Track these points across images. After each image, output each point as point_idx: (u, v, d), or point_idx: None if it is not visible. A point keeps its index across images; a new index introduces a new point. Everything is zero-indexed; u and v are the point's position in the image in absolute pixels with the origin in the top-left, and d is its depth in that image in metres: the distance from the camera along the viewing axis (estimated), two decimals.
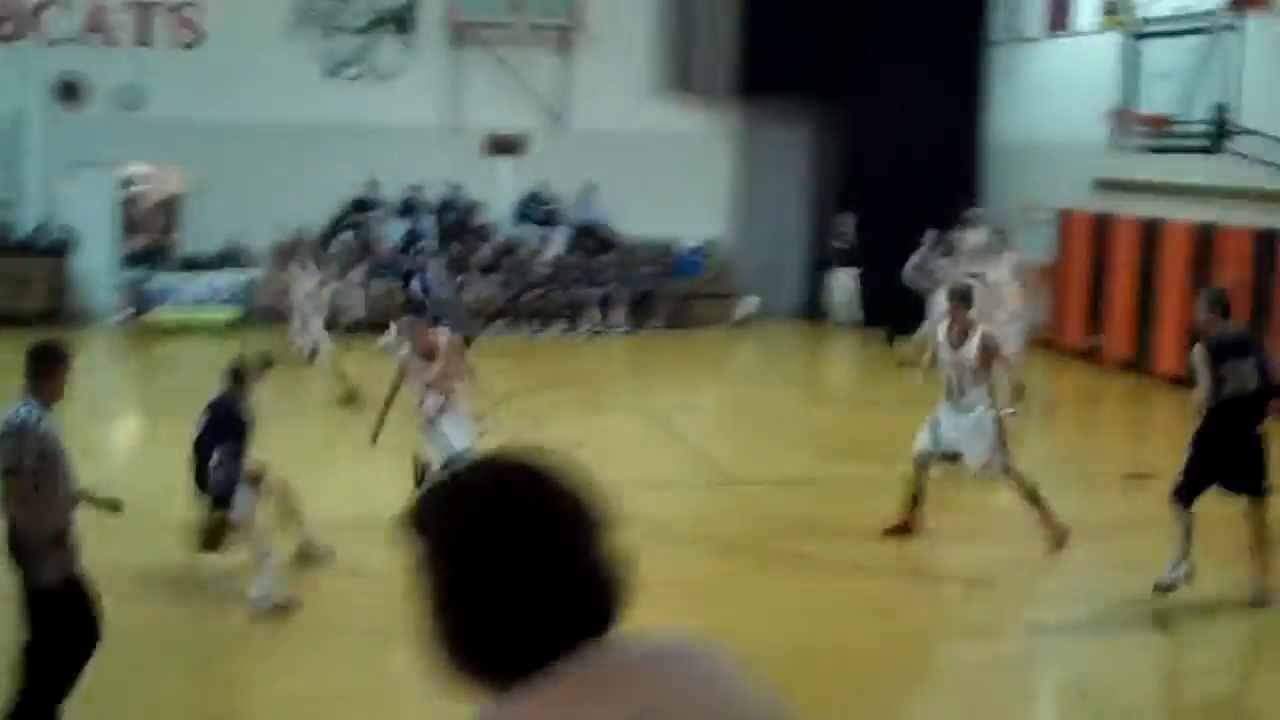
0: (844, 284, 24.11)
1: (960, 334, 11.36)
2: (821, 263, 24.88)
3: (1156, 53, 19.42)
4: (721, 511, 12.59)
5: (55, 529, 7.25)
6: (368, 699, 8.25)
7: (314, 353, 17.94)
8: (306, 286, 18.47)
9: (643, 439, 15.40)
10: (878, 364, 21.06)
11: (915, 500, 11.42)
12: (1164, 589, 9.92)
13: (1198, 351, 9.97)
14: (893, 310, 22.48)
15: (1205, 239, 18.42)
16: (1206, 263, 18.23)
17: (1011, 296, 16.26)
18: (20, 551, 7.25)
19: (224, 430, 9.88)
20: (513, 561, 2.21)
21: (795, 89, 24.74)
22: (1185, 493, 10.01)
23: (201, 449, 9.93)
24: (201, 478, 9.92)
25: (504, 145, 24.87)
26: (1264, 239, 17.44)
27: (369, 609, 9.33)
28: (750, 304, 24.60)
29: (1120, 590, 10.25)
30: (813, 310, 25.13)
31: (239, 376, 10.15)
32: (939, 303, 14.48)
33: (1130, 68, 19.75)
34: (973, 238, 22.43)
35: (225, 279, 22.78)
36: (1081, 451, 15.33)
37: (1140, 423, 18.15)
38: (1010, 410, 15.31)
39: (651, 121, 24.88)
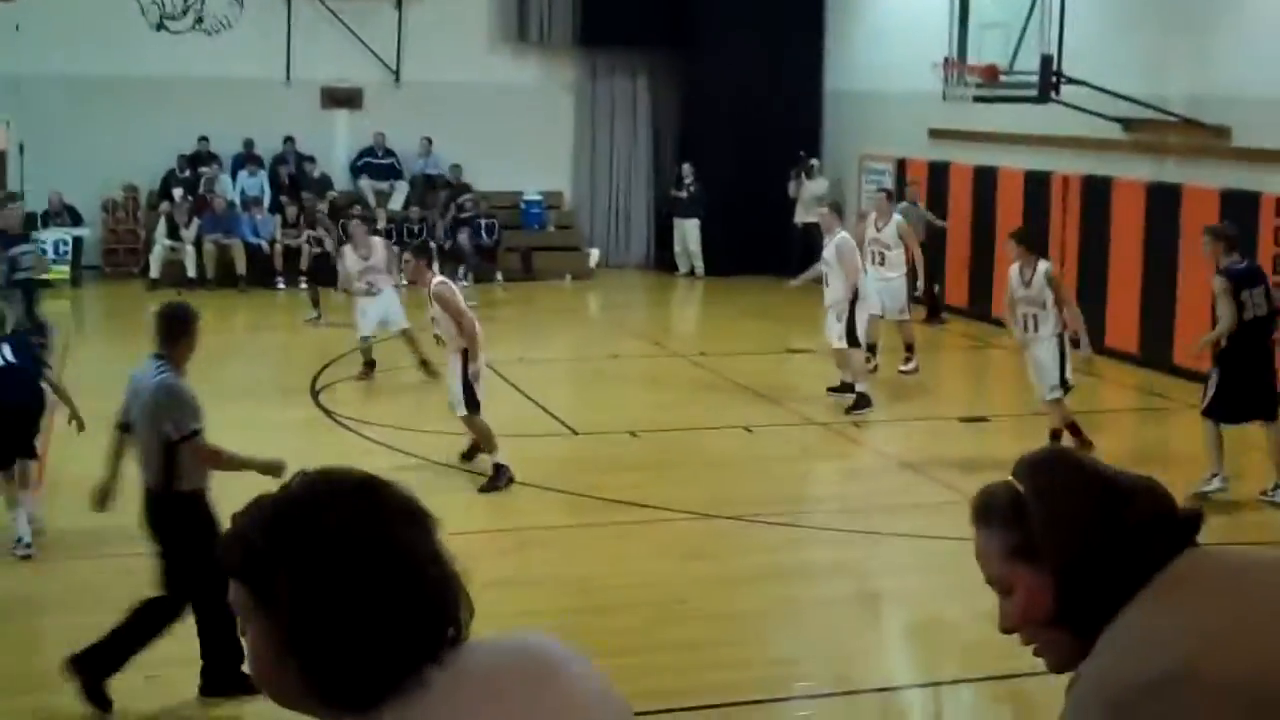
0: (688, 233, 24.18)
1: (1031, 272, 12.56)
2: (666, 213, 24.95)
3: (985, 3, 19.72)
4: (564, 462, 12.60)
5: (197, 489, 7.34)
6: None
7: None
8: None
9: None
10: (721, 312, 21.22)
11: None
12: (1201, 496, 10.69)
13: (1219, 282, 11.06)
14: (736, 258, 22.75)
15: (1038, 185, 18.83)
16: (1040, 209, 18.63)
17: (897, 255, 16.13)
18: (164, 513, 7.28)
19: None
20: (360, 577, 2.03)
21: (634, 39, 24.74)
22: (1216, 411, 11.11)
23: None
24: None
25: (339, 98, 24.52)
26: (1093, 184, 17.88)
27: None
28: (594, 255, 24.60)
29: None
30: (659, 261, 25.21)
31: None
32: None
33: (961, 18, 20.02)
34: (811, 187, 22.71)
35: (55, 235, 22.14)
36: (925, 398, 15.58)
37: (977, 369, 18.51)
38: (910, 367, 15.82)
39: (490, 73, 24.68)
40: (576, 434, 13.54)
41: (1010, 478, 2.56)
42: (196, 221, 22.36)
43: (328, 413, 14.19)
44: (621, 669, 7.75)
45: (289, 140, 23.96)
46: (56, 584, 9.33)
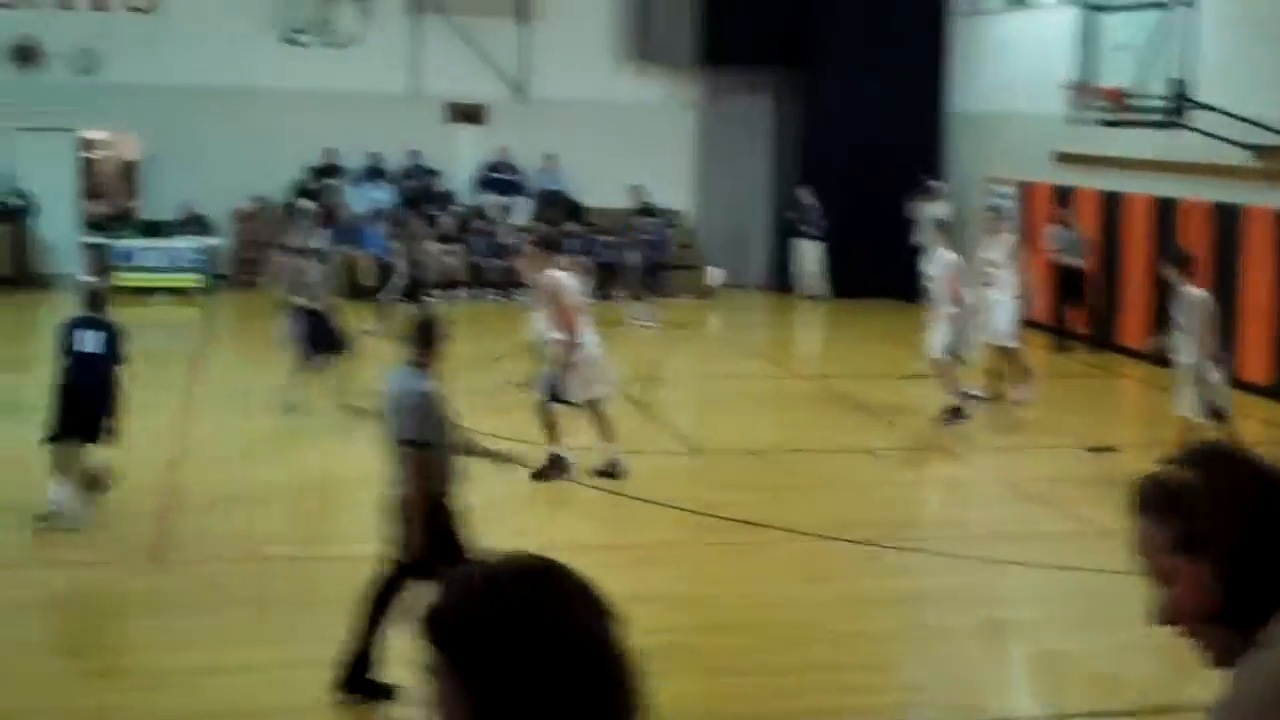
0: (807, 254, 24.13)
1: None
2: (786, 233, 24.90)
3: (1115, 26, 19.50)
4: (684, 480, 12.61)
5: (441, 491, 7.53)
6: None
7: None
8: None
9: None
10: (842, 334, 21.17)
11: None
12: None
13: None
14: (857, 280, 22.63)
15: (1165, 212, 18.57)
16: (1167, 236, 18.37)
17: (1007, 277, 15.73)
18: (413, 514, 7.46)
19: None
20: (554, 660, 2.06)
21: (757, 59, 24.75)
22: None
23: None
24: None
25: (464, 114, 24.78)
26: (1223, 213, 17.60)
27: None
28: (716, 275, 24.59)
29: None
30: (779, 281, 25.15)
31: None
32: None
33: (1089, 41, 19.82)
34: (932, 209, 22.56)
35: (186, 244, 22.63)
36: (1047, 426, 15.39)
37: (1103, 397, 18.25)
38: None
39: (613, 91, 24.84)
40: (697, 452, 13.54)
41: (1172, 466, 2.53)
42: (324, 232, 22.64)
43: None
44: (743, 689, 7.79)
45: (414, 154, 24.25)
46: (185, 583, 9.48)
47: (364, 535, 10.86)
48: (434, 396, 7.50)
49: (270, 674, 7.90)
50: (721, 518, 11.27)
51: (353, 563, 9.98)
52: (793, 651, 8.54)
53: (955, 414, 14.38)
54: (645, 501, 11.63)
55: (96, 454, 10.75)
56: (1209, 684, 2.50)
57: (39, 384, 11.39)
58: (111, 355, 10.81)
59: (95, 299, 11.46)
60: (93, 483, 10.71)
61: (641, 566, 10.26)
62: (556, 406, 12.07)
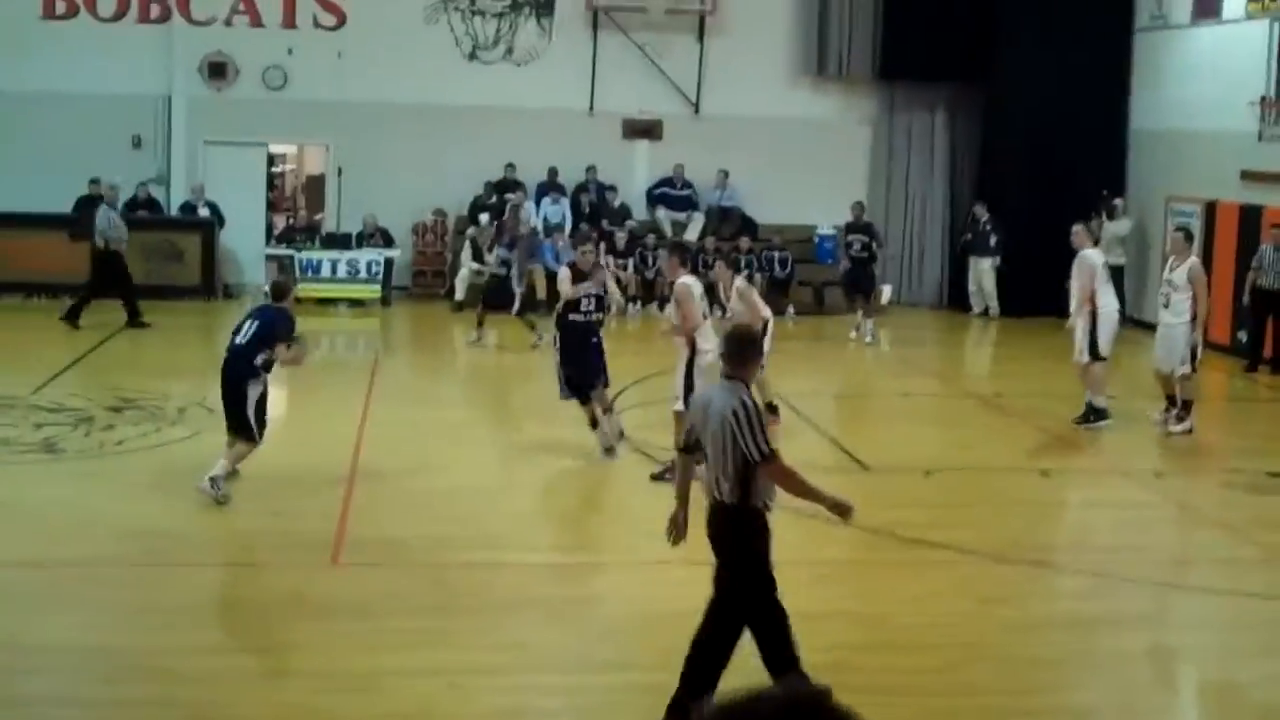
0: (983, 273, 23.85)
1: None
2: (961, 250, 24.63)
3: None
4: (856, 498, 12.53)
5: (765, 504, 7.59)
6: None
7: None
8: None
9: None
10: (1016, 353, 20.86)
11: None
12: None
13: None
14: (1032, 298, 22.23)
15: None
16: None
17: (1183, 301, 14.98)
18: (734, 527, 7.51)
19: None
20: None
21: (934, 73, 24.57)
22: None
23: None
24: None
25: (640, 129, 24.98)
26: None
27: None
28: (886, 291, 24.42)
29: None
30: (953, 299, 24.90)
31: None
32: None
33: (1279, 55, 19.33)
34: (1113, 227, 22.12)
35: (368, 256, 23.16)
36: (1228, 449, 15.01)
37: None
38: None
39: (788, 107, 24.84)
40: (868, 469, 13.47)
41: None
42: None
43: (624, 436, 14.41)
44: (919, 709, 7.72)
45: (591, 169, 24.50)
46: (364, 589, 9.66)
47: (537, 543, 11.10)
48: (753, 409, 7.48)
49: (452, 678, 8.02)
50: (894, 536, 11.19)
51: (521, 569, 10.20)
52: (955, 673, 8.45)
53: (1093, 415, 14.84)
54: (818, 519, 11.60)
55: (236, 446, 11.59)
56: None
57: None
58: (253, 344, 11.51)
59: (277, 289, 12.50)
60: (236, 455, 11.57)
61: (814, 585, 10.24)
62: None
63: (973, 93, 24.85)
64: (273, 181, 25.77)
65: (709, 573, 7.52)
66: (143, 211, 23.10)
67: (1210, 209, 21.08)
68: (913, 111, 25.46)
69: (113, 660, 8.24)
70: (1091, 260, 15.04)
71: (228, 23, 23.82)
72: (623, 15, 24.35)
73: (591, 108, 24.60)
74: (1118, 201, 22.70)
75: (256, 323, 11.71)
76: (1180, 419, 14.87)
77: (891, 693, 8.02)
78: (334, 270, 22.95)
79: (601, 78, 24.53)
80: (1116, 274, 18.23)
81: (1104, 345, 14.95)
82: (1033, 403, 16.69)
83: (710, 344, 12.38)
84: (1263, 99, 19.27)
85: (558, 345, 13.60)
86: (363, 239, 23.53)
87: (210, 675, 8.05)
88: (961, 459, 13.92)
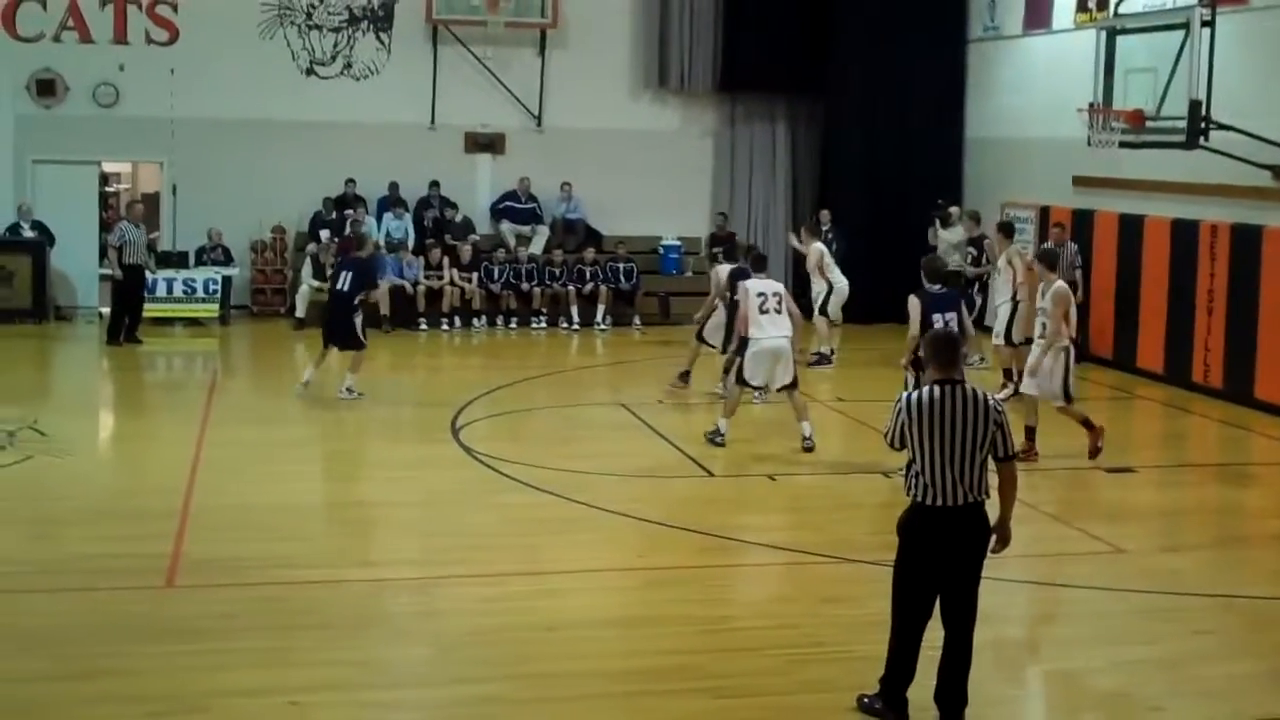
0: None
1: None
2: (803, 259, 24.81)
3: (1132, 49, 19.47)
4: (704, 503, 12.59)
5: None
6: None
7: None
8: None
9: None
10: (853, 359, 21.09)
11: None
12: None
13: None
14: (871, 306, 22.48)
15: (1185, 234, 18.50)
16: (1188, 257, 18.32)
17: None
18: (982, 528, 7.53)
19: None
20: None
21: (774, 85, 24.85)
22: None
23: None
24: None
25: (482, 143, 24.87)
26: (1243, 233, 17.53)
27: None
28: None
29: None
30: (800, 306, 25.03)
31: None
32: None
33: (1106, 64, 19.79)
34: (948, 235, 22.46)
35: (206, 275, 22.71)
36: (1061, 449, 15.28)
37: (1119, 421, 18.15)
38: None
39: (631, 119, 24.94)
40: (712, 475, 13.52)
41: None
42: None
43: (468, 450, 14.32)
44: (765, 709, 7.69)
45: (434, 184, 24.32)
46: (200, 611, 9.44)
47: (376, 559, 10.94)
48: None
49: (292, 696, 7.86)
50: (737, 540, 11.22)
51: (361, 586, 10.05)
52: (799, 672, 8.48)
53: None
54: (662, 525, 11.59)
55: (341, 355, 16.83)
56: None
57: None
58: (354, 289, 16.50)
59: (360, 241, 18.44)
60: (355, 365, 16.64)
61: (653, 588, 10.23)
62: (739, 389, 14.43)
63: (811, 103, 25.16)
64: (106, 200, 25.13)
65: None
66: None
67: (1044, 214, 21.53)
68: (754, 123, 25.68)
69: None
70: (1065, 291, 13.94)
71: (56, 39, 23.23)
72: (462, 29, 24.23)
73: (433, 122, 24.43)
74: (953, 209, 23.05)
75: (350, 273, 16.62)
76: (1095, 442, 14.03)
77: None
78: (170, 289, 22.42)
79: (442, 92, 24.38)
80: (957, 281, 18.54)
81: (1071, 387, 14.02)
82: (875, 408, 16.85)
83: (762, 333, 14.15)
84: (1091, 106, 19.69)
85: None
86: (202, 254, 23.09)
87: (37, 702, 7.79)
88: (806, 463, 14.02)
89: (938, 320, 12.91)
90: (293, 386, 16.92)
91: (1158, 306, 18.97)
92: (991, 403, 7.54)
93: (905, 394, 7.67)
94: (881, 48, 23.85)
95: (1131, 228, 19.62)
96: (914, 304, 13.47)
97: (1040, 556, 10.92)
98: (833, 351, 19.88)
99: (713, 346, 17.36)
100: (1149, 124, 18.17)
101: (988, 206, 23.10)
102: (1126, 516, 12.38)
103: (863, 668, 8.02)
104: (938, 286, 13.80)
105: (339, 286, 16.66)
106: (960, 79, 24.34)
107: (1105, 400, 18.52)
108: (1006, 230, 18.25)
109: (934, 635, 7.58)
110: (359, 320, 16.59)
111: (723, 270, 16.95)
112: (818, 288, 20.17)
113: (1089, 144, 18.72)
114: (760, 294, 14.43)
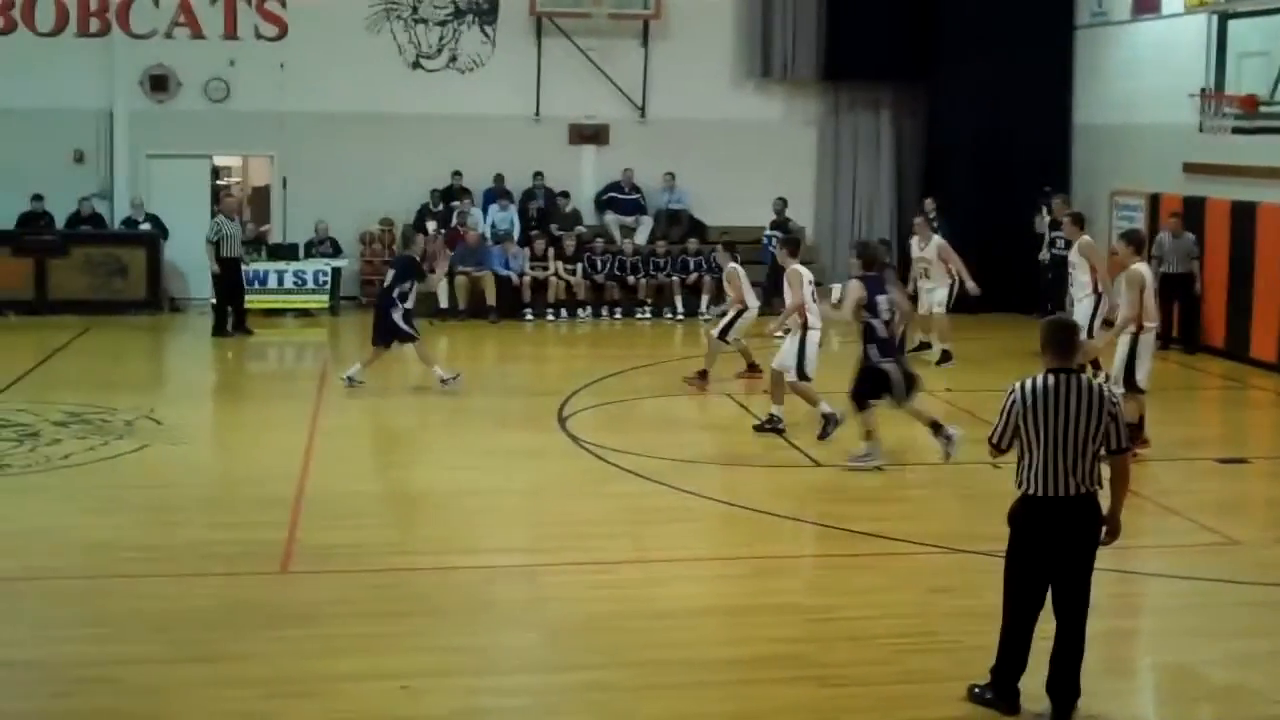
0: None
1: None
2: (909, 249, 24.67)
3: (1244, 33, 19.15)
4: (811, 492, 12.58)
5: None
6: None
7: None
8: None
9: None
10: (967, 351, 20.92)
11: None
12: None
13: None
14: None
15: None
16: None
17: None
18: (1092, 519, 7.50)
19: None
20: None
21: (878, 73, 24.71)
22: None
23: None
24: None
25: (586, 134, 24.97)
26: None
27: None
28: (835, 290, 24.39)
29: None
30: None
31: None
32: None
33: (1218, 48, 19.49)
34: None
35: (315, 266, 23.03)
36: (1172, 439, 15.08)
37: (1231, 412, 17.85)
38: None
39: (734, 109, 24.92)
40: (819, 465, 13.50)
41: None
42: (449, 254, 22.94)
43: (575, 439, 14.41)
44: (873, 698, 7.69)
45: (538, 175, 24.46)
46: (314, 596, 9.58)
47: (485, 546, 11.06)
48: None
49: (403, 681, 7.96)
50: (844, 530, 11.20)
51: (471, 573, 10.16)
52: (904, 662, 8.46)
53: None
54: (766, 514, 11.60)
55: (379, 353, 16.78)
56: None
57: None
58: (392, 285, 16.66)
59: (405, 239, 17.85)
60: (424, 357, 16.91)
61: (761, 577, 10.25)
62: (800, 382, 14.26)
63: (916, 92, 25.00)
64: (218, 194, 25.53)
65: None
66: (86, 226, 22.96)
67: (1154, 201, 21.24)
68: (858, 112, 25.57)
69: (60, 673, 8.14)
70: (1141, 274, 13.55)
71: (168, 35, 23.65)
72: (566, 20, 24.34)
73: (537, 113, 24.56)
74: (1059, 196, 22.80)
75: (394, 270, 16.88)
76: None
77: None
78: (280, 281, 22.79)
79: (546, 83, 24.50)
80: (1061, 267, 18.37)
81: (1142, 376, 13.53)
82: (985, 398, 16.71)
83: (820, 323, 14.41)
84: (1203, 91, 19.41)
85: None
86: (311, 247, 23.40)
87: (158, 685, 7.96)
88: (914, 454, 13.93)
89: (881, 301, 13.08)
90: (402, 374, 17.14)
91: (1271, 295, 18.64)
92: (1106, 394, 7.46)
93: (1019, 382, 7.57)
94: (987, 35, 23.62)
95: (1244, 215, 19.29)
96: (854, 286, 13.33)
97: (1153, 548, 10.81)
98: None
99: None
100: (1262, 109, 17.90)
101: (1096, 194, 22.86)
102: (1240, 508, 12.22)
103: (972, 658, 7.98)
104: (873, 272, 13.50)
105: (386, 282, 17.02)
106: (1068, 65, 24.04)
107: (1217, 390, 18.29)
108: (1078, 220, 17.01)
109: (1047, 626, 7.53)
110: (397, 315, 16.54)
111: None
112: (939, 283, 19.37)
113: (1200, 130, 18.45)
114: (811, 282, 14.60)
